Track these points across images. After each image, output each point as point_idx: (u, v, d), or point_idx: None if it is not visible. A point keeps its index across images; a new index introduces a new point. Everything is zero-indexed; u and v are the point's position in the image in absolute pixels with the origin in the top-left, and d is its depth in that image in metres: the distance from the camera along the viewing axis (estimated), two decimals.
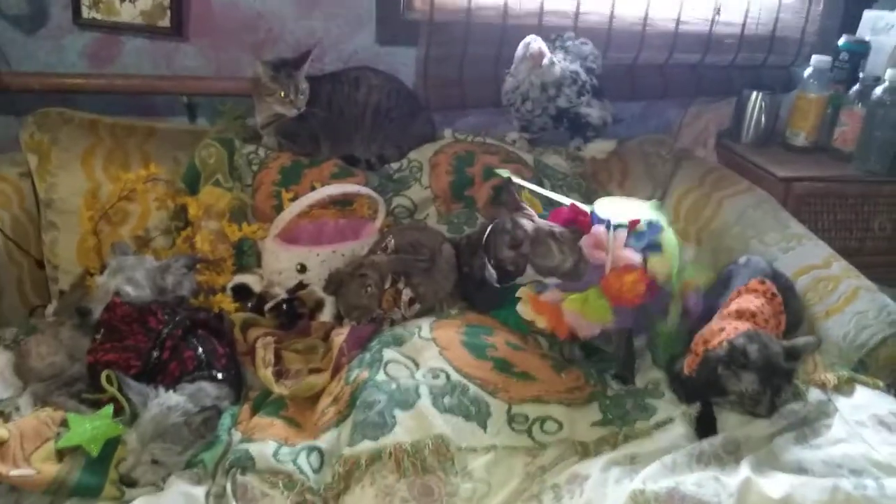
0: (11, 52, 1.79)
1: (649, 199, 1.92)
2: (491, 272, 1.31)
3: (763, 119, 2.03)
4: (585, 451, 1.21)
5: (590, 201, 1.85)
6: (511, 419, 1.23)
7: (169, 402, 1.19)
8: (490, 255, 1.32)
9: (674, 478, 1.11)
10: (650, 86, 2.10)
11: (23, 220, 1.65)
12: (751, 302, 1.34)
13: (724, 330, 1.27)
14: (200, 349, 1.33)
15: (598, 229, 1.30)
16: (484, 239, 1.34)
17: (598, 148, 1.97)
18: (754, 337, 1.22)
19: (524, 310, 1.38)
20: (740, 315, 1.31)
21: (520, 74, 1.81)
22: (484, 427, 1.20)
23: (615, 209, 1.35)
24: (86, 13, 1.78)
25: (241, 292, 1.58)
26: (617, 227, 1.30)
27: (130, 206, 1.66)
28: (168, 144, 1.75)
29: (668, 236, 1.34)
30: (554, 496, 1.12)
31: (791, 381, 1.23)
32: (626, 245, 1.29)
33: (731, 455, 1.17)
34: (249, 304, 1.57)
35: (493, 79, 1.94)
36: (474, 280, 1.54)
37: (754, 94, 2.02)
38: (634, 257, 1.28)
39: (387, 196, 1.77)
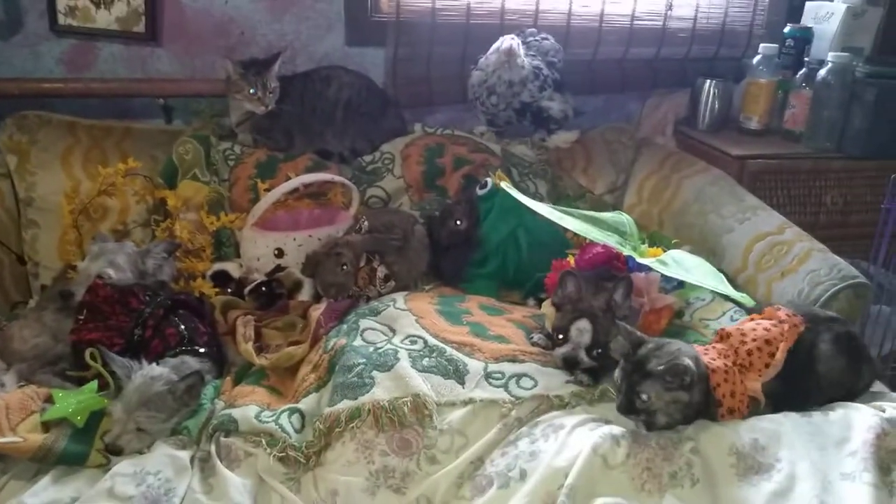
0: None
1: (613, 183, 2.04)
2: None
3: (717, 105, 2.13)
4: (561, 403, 1.23)
5: (556, 187, 1.97)
6: (488, 376, 1.27)
7: (152, 372, 1.22)
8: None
9: None
10: (609, 80, 2.19)
11: (3, 219, 1.68)
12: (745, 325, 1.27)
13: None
14: (182, 326, 1.36)
15: (638, 276, 1.40)
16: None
17: (562, 138, 2.05)
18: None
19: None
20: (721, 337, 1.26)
21: (489, 68, 1.88)
22: (462, 383, 1.25)
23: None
24: (62, 20, 1.84)
25: (221, 279, 1.62)
26: (649, 272, 1.40)
27: (109, 202, 1.69)
28: (145, 143, 1.80)
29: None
30: (529, 441, 1.16)
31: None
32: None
33: None
34: (229, 290, 1.60)
35: (458, 76, 2.02)
36: (442, 248, 1.64)
37: (707, 81, 2.13)
38: (668, 299, 1.42)
39: (361, 187, 1.82)
